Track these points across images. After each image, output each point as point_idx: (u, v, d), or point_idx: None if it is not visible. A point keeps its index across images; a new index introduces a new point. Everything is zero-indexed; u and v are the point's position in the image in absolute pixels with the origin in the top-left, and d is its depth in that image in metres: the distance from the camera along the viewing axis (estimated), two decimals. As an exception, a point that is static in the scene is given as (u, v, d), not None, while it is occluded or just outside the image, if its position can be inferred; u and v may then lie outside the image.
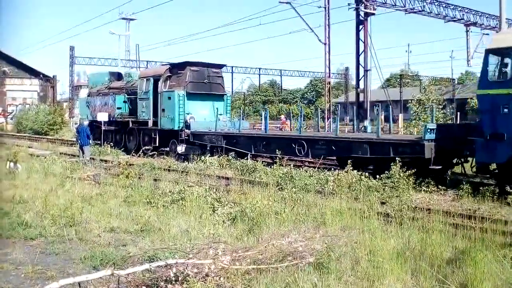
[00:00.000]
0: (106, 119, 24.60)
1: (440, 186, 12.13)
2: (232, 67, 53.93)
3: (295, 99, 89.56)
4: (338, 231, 7.33)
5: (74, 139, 24.25)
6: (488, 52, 12.19)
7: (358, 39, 25.98)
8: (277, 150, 15.51)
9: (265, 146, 17.69)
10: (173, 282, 5.03)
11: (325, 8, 28.62)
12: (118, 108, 24.67)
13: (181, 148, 20.45)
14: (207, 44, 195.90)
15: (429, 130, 13.07)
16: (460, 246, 6.68)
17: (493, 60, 12.07)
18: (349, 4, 25.92)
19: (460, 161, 14.23)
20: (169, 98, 21.12)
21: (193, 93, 21.19)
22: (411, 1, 28.00)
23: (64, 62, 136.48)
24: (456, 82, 60.98)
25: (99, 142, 24.16)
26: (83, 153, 18.94)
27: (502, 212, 9.84)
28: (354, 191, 10.84)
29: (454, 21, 31.65)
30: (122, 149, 23.62)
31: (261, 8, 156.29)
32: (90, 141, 20.46)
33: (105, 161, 18.70)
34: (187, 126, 20.54)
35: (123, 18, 54.98)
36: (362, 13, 25.47)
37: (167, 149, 21.45)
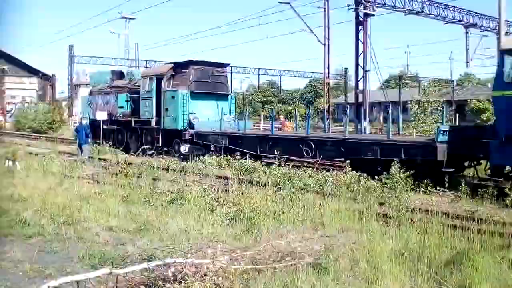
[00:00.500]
0: (105, 118, 24.42)
1: (439, 188, 12.12)
2: (231, 67, 53.94)
3: (294, 100, 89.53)
4: (336, 231, 7.34)
5: (73, 138, 24.21)
6: (504, 52, 11.90)
7: (357, 40, 25.98)
8: (277, 151, 15.30)
9: (271, 146, 17.30)
10: (172, 282, 5.02)
11: (324, 8, 28.64)
12: (120, 107, 24.35)
13: (184, 148, 20.21)
14: (206, 44, 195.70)
15: (441, 132, 12.84)
16: (458, 247, 6.67)
17: (510, 61, 11.74)
18: (348, 5, 25.93)
19: (473, 164, 13.89)
20: (173, 97, 20.87)
21: (197, 92, 20.93)
22: (411, 2, 28.03)
23: (63, 61, 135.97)
24: (455, 84, 61.06)
25: (98, 141, 23.93)
26: (81, 151, 18.94)
27: (500, 214, 9.84)
28: (353, 192, 10.85)
29: (453, 22, 31.69)
30: (124, 149, 23.33)
31: (260, 8, 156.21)
32: (89, 140, 20.42)
33: (104, 160, 18.68)
34: (191, 126, 20.35)
35: (123, 17, 54.97)
36: (361, 14, 25.47)
37: (170, 148, 21.23)
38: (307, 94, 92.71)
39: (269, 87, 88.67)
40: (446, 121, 20.66)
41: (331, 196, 10.19)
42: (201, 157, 18.00)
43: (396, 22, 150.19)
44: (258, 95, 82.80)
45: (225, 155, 17.83)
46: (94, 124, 24.58)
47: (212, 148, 19.08)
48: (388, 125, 15.35)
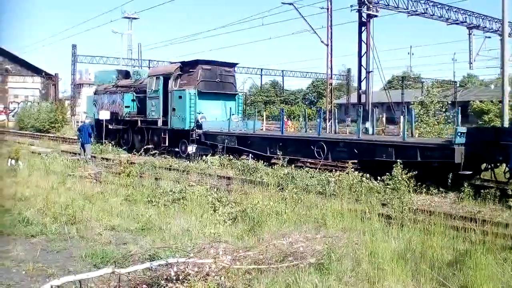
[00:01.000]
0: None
1: (442, 188, 12.08)
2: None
3: (296, 100, 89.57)
4: (339, 232, 7.34)
5: (76, 137, 24.16)
6: None
7: (360, 40, 26.01)
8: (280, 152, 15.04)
9: (281, 148, 16.82)
10: (174, 281, 5.03)
11: (327, 9, 28.64)
12: (127, 107, 24.11)
13: (191, 149, 19.91)
14: (209, 44, 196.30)
15: (459, 134, 12.47)
16: (461, 248, 6.67)
17: None
18: (351, 6, 26.00)
19: (490, 167, 13.46)
20: (180, 97, 20.60)
21: (204, 92, 20.64)
22: (414, 4, 28.04)
23: (66, 61, 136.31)
24: (458, 85, 61.00)
25: (104, 140, 23.71)
26: (84, 151, 18.97)
27: (503, 215, 9.83)
28: (355, 192, 10.83)
29: (456, 23, 31.69)
30: (130, 149, 23.01)
31: (263, 8, 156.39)
32: (92, 139, 20.41)
33: (106, 159, 18.70)
34: (199, 126, 20.08)
35: (126, 17, 55.17)
36: (364, 15, 25.51)
37: (177, 149, 21.05)
38: (309, 94, 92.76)
39: (271, 87, 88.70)
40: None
41: (334, 197, 10.17)
42: (204, 157, 17.93)
43: (400, 23, 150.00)
44: (260, 95, 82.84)
45: (233, 156, 17.45)
46: (99, 124, 24.43)
47: (220, 149, 18.69)
48: (403, 127, 14.83)
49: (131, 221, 8.36)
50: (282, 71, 60.96)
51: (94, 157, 19.02)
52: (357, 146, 14.85)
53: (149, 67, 48.34)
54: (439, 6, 29.55)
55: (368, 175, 11.82)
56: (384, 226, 7.81)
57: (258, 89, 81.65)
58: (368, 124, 23.42)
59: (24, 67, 51.04)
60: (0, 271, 5.85)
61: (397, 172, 10.93)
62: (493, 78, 70.93)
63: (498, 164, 13.34)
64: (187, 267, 5.16)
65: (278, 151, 16.27)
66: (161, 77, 21.86)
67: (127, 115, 24.15)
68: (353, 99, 47.70)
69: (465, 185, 11.17)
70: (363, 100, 26.56)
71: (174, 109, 20.93)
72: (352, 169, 12.38)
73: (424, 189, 11.56)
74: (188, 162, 17.73)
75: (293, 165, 14.45)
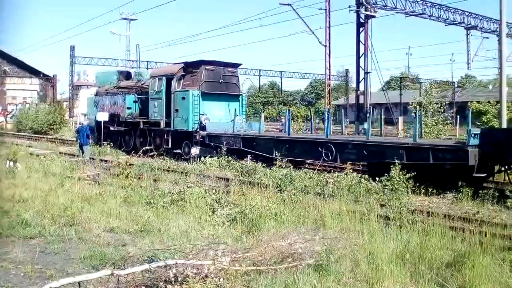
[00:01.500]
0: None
1: (440, 190, 12.09)
2: (232, 68, 53.82)
3: (295, 101, 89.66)
4: (337, 233, 7.34)
5: (74, 139, 24.03)
6: None
7: (358, 41, 26.02)
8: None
9: (288, 149, 16.54)
10: (173, 283, 5.03)
11: (325, 10, 28.64)
12: (128, 108, 23.77)
13: (195, 150, 19.60)
14: (208, 45, 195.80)
15: (473, 135, 12.24)
16: (459, 249, 6.68)
17: None
18: (349, 7, 25.98)
19: (504, 169, 13.21)
20: (183, 98, 20.36)
21: (208, 93, 20.41)
22: (412, 4, 28.06)
23: (65, 62, 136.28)
24: (456, 85, 61.07)
25: (103, 142, 23.39)
26: (82, 152, 18.94)
27: (501, 215, 9.85)
28: (354, 193, 10.85)
29: (454, 24, 31.73)
30: (132, 151, 23.00)
31: (261, 9, 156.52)
32: (90, 141, 20.34)
33: (105, 161, 18.68)
34: (202, 127, 19.79)
35: (124, 19, 55.06)
36: (362, 16, 25.52)
37: (179, 151, 20.78)
38: (308, 95, 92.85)
39: (270, 88, 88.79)
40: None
41: (332, 198, 10.17)
42: (203, 158, 17.87)
43: (398, 24, 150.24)
44: (259, 96, 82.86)
45: (237, 159, 17.26)
46: (100, 125, 24.16)
47: (224, 150, 18.15)
48: (415, 128, 14.51)
49: (129, 223, 8.35)
50: (281, 72, 60.88)
51: (93, 158, 18.99)
52: (367, 148, 14.65)
53: (147, 68, 48.27)
54: (437, 6, 29.58)
55: (366, 176, 11.84)
56: (382, 227, 7.83)
57: (256, 90, 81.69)
58: (366, 125, 23.37)
59: (22, 69, 50.92)
60: (-1, 273, 5.84)
61: (395, 173, 10.96)
62: (491, 78, 71.05)
63: None
64: (186, 268, 5.16)
65: (284, 153, 15.99)
66: (164, 78, 21.57)
67: (129, 116, 23.81)
68: (351, 100, 47.71)
69: (463, 185, 11.19)
70: (361, 101, 26.58)
71: (177, 110, 20.70)
72: (351, 170, 12.40)
73: (423, 190, 11.57)
74: (186, 163, 17.70)
75: (291, 166, 14.43)
